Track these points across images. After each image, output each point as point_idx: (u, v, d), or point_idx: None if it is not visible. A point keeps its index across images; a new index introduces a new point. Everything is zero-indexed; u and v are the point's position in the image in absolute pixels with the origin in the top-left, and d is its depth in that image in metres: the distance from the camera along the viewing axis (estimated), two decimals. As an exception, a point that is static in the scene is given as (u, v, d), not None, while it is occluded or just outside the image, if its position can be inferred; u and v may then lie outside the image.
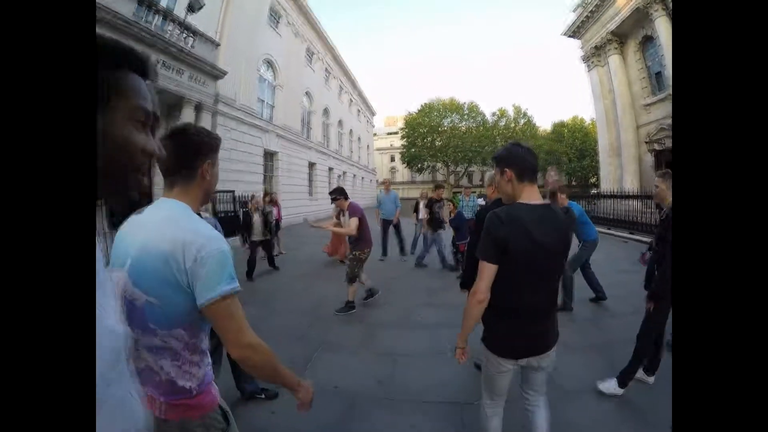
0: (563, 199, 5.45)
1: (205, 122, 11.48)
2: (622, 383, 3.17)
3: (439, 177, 54.45)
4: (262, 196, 8.95)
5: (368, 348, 4.39)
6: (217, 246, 1.16)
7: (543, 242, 1.73)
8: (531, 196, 1.83)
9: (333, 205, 5.47)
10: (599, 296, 5.72)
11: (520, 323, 1.85)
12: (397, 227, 9.74)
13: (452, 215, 8.54)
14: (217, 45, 11.60)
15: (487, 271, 1.75)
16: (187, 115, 10.66)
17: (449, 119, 48.78)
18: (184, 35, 9.92)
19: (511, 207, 1.80)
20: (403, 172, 60.15)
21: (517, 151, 1.90)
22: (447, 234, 8.53)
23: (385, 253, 9.68)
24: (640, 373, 3.30)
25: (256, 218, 8.15)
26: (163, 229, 1.16)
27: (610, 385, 3.19)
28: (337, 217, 5.56)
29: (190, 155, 1.29)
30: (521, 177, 1.84)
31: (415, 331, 4.76)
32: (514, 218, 1.73)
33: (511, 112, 50.18)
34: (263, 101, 17.67)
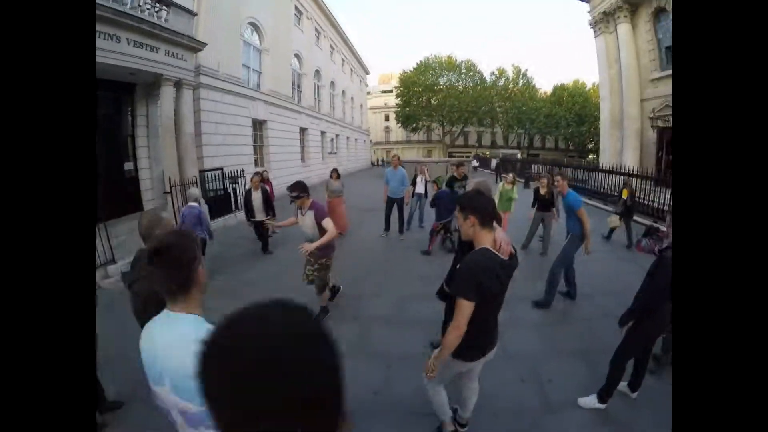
0: (564, 186, 5.50)
1: (186, 99, 10.73)
2: (601, 400, 3.27)
3: (434, 137, 53.83)
4: (253, 174, 8.66)
5: (362, 350, 4.35)
6: None
7: (503, 281, 2.27)
8: (489, 240, 2.23)
9: (292, 204, 4.74)
10: (570, 293, 5.66)
11: (485, 333, 2.45)
12: (401, 206, 9.62)
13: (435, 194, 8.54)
14: (194, 14, 10.64)
15: (468, 309, 2.14)
16: (166, 93, 9.90)
17: (446, 78, 47.50)
18: (156, 9, 9.01)
19: (485, 257, 2.19)
20: (397, 132, 58.67)
21: (480, 200, 2.30)
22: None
23: (387, 228, 9.77)
24: (624, 387, 3.40)
25: (257, 197, 8.14)
26: (185, 352, 1.16)
27: (589, 401, 3.32)
28: (296, 214, 4.86)
29: (186, 269, 1.36)
30: (483, 223, 2.23)
31: (410, 329, 4.76)
32: (491, 267, 2.16)
33: (510, 73, 49.15)
34: (249, 68, 16.66)
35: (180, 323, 1.35)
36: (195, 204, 6.62)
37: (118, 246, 7.40)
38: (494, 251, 2.20)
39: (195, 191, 7.06)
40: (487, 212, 2.23)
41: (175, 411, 1.38)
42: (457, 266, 2.40)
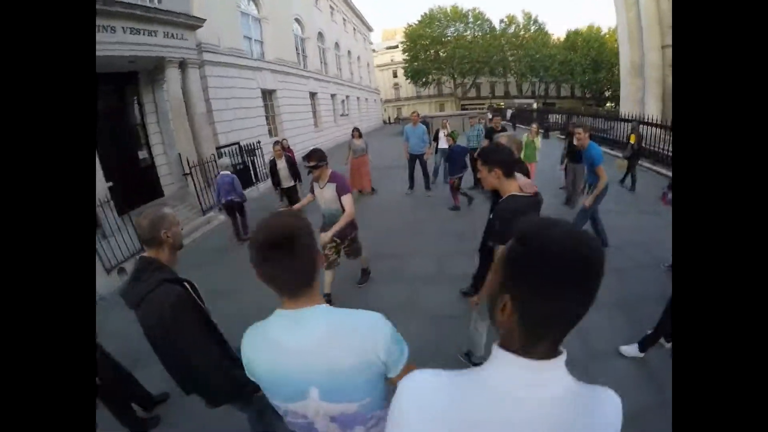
0: (585, 138, 5.34)
1: (193, 78, 10.54)
2: (642, 349, 3.40)
3: (446, 90, 52.34)
4: (274, 144, 8.74)
5: (412, 310, 4.47)
6: (385, 324, 1.19)
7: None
8: (515, 187, 2.45)
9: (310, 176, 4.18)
10: (601, 242, 5.59)
11: None
12: (423, 162, 9.55)
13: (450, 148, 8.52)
14: (188, -9, 10.24)
15: None
16: (172, 76, 9.70)
17: (453, 28, 45.60)
18: (148, -9, 8.69)
19: (515, 201, 2.40)
20: (407, 88, 56.96)
21: (503, 152, 2.47)
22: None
23: (411, 186, 9.86)
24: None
25: (281, 165, 8.16)
26: (335, 348, 1.11)
27: (631, 350, 3.45)
28: (311, 191, 4.33)
29: (315, 255, 1.17)
30: (507, 174, 2.43)
31: (456, 286, 4.75)
32: (521, 210, 2.27)
33: (520, 19, 47.06)
34: (250, 38, 16.21)
35: (318, 318, 1.14)
36: (227, 172, 7.44)
37: (145, 234, 7.51)
38: (520, 194, 2.44)
39: (226, 160, 7.85)
40: (510, 163, 2.47)
41: (324, 421, 1.22)
42: (494, 212, 2.65)
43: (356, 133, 9.86)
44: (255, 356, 1.18)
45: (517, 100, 43.24)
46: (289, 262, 1.09)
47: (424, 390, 0.80)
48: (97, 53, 7.54)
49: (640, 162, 9.77)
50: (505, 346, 0.78)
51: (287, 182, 8.24)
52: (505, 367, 0.77)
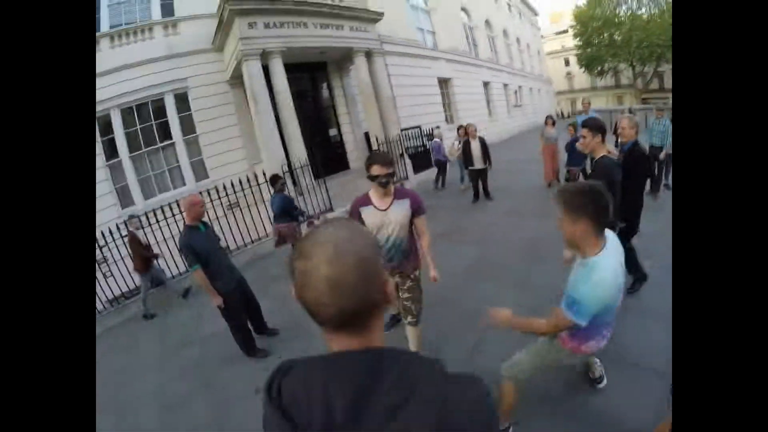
0: None
1: (379, 66, 11.16)
2: None
3: (624, 81, 45.03)
4: (467, 125, 8.88)
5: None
6: None
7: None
8: (606, 150, 3.18)
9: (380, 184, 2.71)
10: None
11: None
12: None
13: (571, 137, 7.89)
14: (359, -11, 10.90)
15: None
16: (361, 64, 10.55)
17: (625, 6, 37.25)
18: (329, -9, 9.67)
19: (608, 159, 3.10)
20: (580, 78, 49.66)
21: (602, 122, 3.24)
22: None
23: None
24: None
25: (475, 146, 8.15)
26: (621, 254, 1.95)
27: None
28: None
29: None
30: (603, 139, 3.15)
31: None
32: (612, 165, 3.07)
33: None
34: (423, 30, 16.51)
35: (614, 241, 1.93)
36: (437, 140, 10.23)
37: (334, 197, 8.75)
38: (609, 155, 3.14)
39: (438, 131, 10.52)
40: (605, 130, 3.16)
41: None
42: (593, 171, 3.21)
43: (549, 121, 9.44)
44: (616, 282, 1.82)
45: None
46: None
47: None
48: (292, 45, 8.92)
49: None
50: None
51: (479, 163, 8.20)
52: None
